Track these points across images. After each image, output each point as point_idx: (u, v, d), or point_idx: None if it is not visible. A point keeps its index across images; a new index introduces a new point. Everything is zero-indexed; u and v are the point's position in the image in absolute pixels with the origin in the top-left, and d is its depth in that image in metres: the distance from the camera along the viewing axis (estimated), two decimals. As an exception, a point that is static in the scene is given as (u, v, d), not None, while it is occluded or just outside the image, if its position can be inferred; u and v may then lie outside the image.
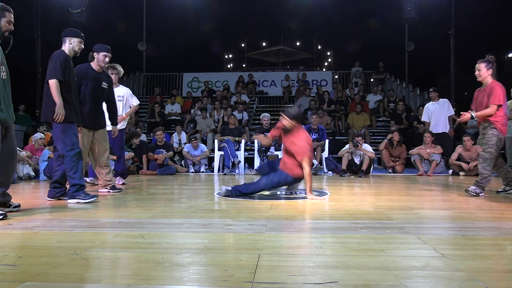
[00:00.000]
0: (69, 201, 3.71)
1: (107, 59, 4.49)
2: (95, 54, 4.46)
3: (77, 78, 4.30)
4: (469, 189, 4.21)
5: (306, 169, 3.95)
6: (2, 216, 2.85)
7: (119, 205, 3.69)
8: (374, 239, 2.27)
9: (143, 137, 9.76)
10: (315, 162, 7.79)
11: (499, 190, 4.46)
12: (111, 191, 4.63)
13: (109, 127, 4.82)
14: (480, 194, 4.18)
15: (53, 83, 3.63)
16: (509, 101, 7.63)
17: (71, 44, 3.85)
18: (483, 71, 4.23)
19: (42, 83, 3.90)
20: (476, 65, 4.32)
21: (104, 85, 4.53)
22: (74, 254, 1.96)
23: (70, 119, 3.73)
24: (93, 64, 4.47)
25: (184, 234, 2.49)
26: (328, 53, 32.99)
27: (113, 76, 5.07)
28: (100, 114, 4.55)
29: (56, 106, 3.63)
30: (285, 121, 4.03)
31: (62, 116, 3.63)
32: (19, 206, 3.30)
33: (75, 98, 3.90)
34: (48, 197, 3.91)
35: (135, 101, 5.84)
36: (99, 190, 4.57)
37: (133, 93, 6.03)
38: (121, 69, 5.33)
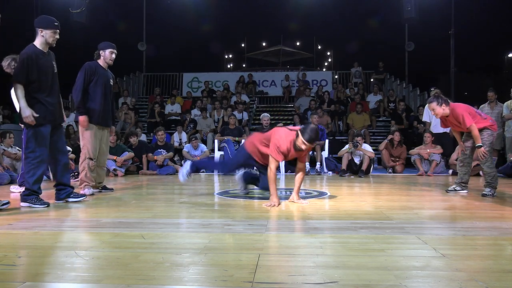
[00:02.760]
0: (22, 204, 3.54)
1: (113, 56, 4.47)
2: (101, 51, 4.44)
3: (87, 75, 4.28)
4: (485, 192, 4.19)
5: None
6: None
7: (119, 205, 3.69)
8: (374, 239, 2.27)
9: (143, 137, 9.76)
10: (307, 165, 7.78)
11: (449, 189, 4.55)
12: (103, 190, 4.64)
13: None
14: (494, 194, 4.19)
15: (14, 87, 3.47)
16: (509, 101, 7.64)
17: (43, 36, 3.59)
18: (438, 110, 4.33)
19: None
20: (428, 106, 4.51)
21: (111, 82, 4.55)
22: (74, 254, 1.96)
23: (38, 121, 3.52)
24: (100, 62, 4.46)
25: (184, 234, 2.49)
26: (328, 53, 33.00)
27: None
28: (109, 111, 4.53)
29: (22, 110, 3.43)
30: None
31: (29, 119, 3.44)
32: (8, 203, 3.29)
33: (49, 95, 3.64)
34: (55, 200, 3.80)
35: None
36: (87, 192, 4.50)
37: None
38: None
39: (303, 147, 3.55)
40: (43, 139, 3.56)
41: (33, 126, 3.52)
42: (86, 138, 4.37)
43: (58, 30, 3.67)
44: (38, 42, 3.61)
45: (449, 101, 4.37)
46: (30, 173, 3.55)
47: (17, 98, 3.49)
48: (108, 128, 4.64)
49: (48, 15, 3.78)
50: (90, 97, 4.34)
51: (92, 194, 4.27)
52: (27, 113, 3.43)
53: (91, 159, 4.38)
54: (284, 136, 3.67)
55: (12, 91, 3.55)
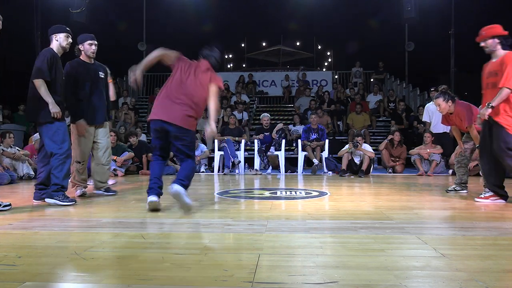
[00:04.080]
0: (47, 200, 3.60)
1: (93, 47, 4.20)
2: (80, 46, 4.22)
3: (70, 75, 4.09)
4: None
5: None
6: None
7: (119, 205, 3.69)
8: (374, 239, 2.27)
9: (143, 137, 9.76)
10: (316, 160, 7.80)
11: (449, 189, 4.58)
12: (105, 193, 4.41)
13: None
14: None
15: (39, 83, 3.55)
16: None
17: (57, 40, 3.77)
18: (443, 105, 4.34)
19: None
20: (434, 101, 4.48)
21: (101, 74, 4.30)
22: (74, 254, 1.96)
23: (55, 118, 3.63)
24: (83, 57, 4.22)
25: (184, 234, 2.49)
26: (328, 53, 32.95)
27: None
28: (100, 107, 4.28)
29: (49, 106, 3.56)
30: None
31: (59, 113, 3.60)
32: (9, 205, 3.29)
33: (62, 96, 3.83)
34: (34, 199, 3.80)
35: None
36: (78, 193, 4.41)
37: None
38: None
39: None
40: (65, 134, 3.70)
41: (55, 123, 3.62)
42: (73, 141, 4.21)
43: (70, 35, 3.84)
44: (54, 47, 3.77)
45: (455, 98, 4.37)
46: (59, 168, 3.61)
47: (42, 95, 3.56)
48: (103, 124, 4.36)
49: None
50: (77, 97, 4.15)
51: (84, 195, 4.22)
52: (57, 109, 3.59)
53: (78, 162, 4.24)
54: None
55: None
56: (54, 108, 3.58)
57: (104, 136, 4.40)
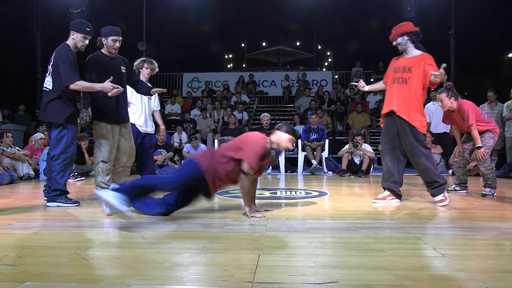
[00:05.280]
0: (49, 204, 3.53)
1: (117, 44, 3.88)
2: (103, 39, 3.88)
3: (92, 70, 3.83)
4: (484, 192, 4.23)
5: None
6: None
7: (119, 205, 3.69)
8: (374, 239, 2.27)
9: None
10: (314, 162, 7.80)
11: (449, 189, 4.56)
12: None
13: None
14: (494, 194, 4.22)
15: (78, 86, 3.50)
16: (509, 101, 7.65)
17: (74, 39, 3.62)
18: (446, 101, 4.32)
19: (42, 82, 3.75)
20: (437, 96, 4.47)
21: (123, 69, 3.99)
22: (74, 254, 1.96)
23: (69, 121, 3.56)
24: (104, 51, 3.92)
25: (184, 234, 2.49)
26: (328, 53, 32.95)
27: (147, 71, 4.70)
28: (123, 104, 3.99)
29: (101, 90, 3.54)
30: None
31: (117, 90, 3.55)
32: None
33: (74, 97, 3.78)
34: (45, 196, 3.78)
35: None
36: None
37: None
38: (156, 65, 4.83)
39: (289, 145, 3.13)
40: (74, 139, 3.64)
41: (66, 127, 3.56)
42: (96, 140, 3.99)
43: (89, 37, 3.68)
44: (70, 44, 3.67)
45: (458, 96, 4.37)
46: (60, 174, 3.57)
47: (87, 89, 3.62)
48: (127, 124, 4.10)
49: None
50: (98, 93, 3.78)
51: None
52: (107, 85, 3.54)
53: (104, 162, 3.94)
54: (261, 137, 3.04)
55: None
56: (103, 87, 3.52)
57: (125, 138, 4.08)
